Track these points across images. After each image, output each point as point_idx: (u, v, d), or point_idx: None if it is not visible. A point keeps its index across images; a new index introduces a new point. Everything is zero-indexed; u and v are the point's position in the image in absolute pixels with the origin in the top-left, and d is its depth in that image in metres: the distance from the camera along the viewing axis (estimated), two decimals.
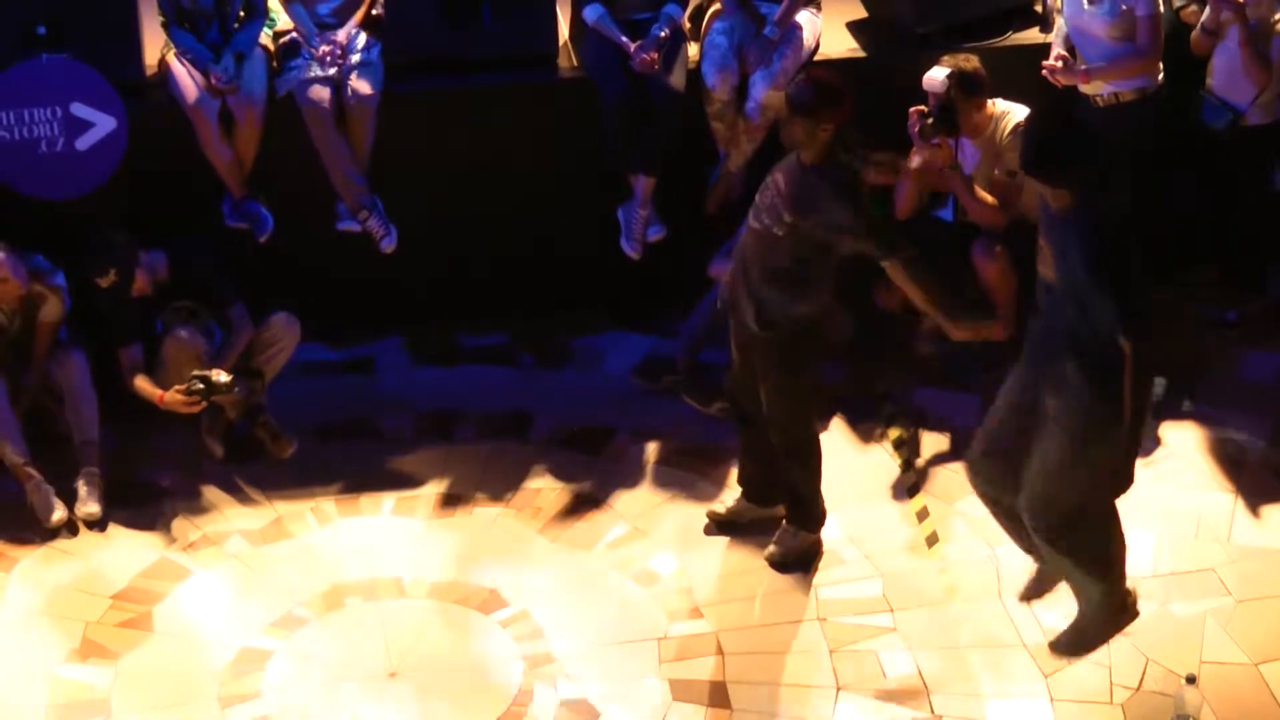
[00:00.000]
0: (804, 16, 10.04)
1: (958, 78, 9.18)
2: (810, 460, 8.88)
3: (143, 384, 9.35)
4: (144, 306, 9.51)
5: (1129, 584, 7.87)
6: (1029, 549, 8.03)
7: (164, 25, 9.84)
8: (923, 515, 9.03)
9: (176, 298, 9.56)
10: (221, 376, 9.19)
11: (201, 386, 9.14)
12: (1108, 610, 7.84)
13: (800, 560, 8.74)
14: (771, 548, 8.80)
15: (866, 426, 9.87)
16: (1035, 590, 8.24)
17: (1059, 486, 7.49)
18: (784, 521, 8.92)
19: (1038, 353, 7.56)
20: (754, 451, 9.04)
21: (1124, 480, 7.51)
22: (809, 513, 8.90)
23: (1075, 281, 7.23)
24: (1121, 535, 7.76)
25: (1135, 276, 7.26)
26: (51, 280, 9.42)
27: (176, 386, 9.16)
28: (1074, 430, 7.34)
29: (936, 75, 9.21)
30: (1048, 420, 7.44)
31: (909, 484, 9.22)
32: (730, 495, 9.23)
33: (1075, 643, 7.96)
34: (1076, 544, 7.64)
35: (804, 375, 8.77)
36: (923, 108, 9.08)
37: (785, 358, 8.53)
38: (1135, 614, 7.92)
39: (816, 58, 10.09)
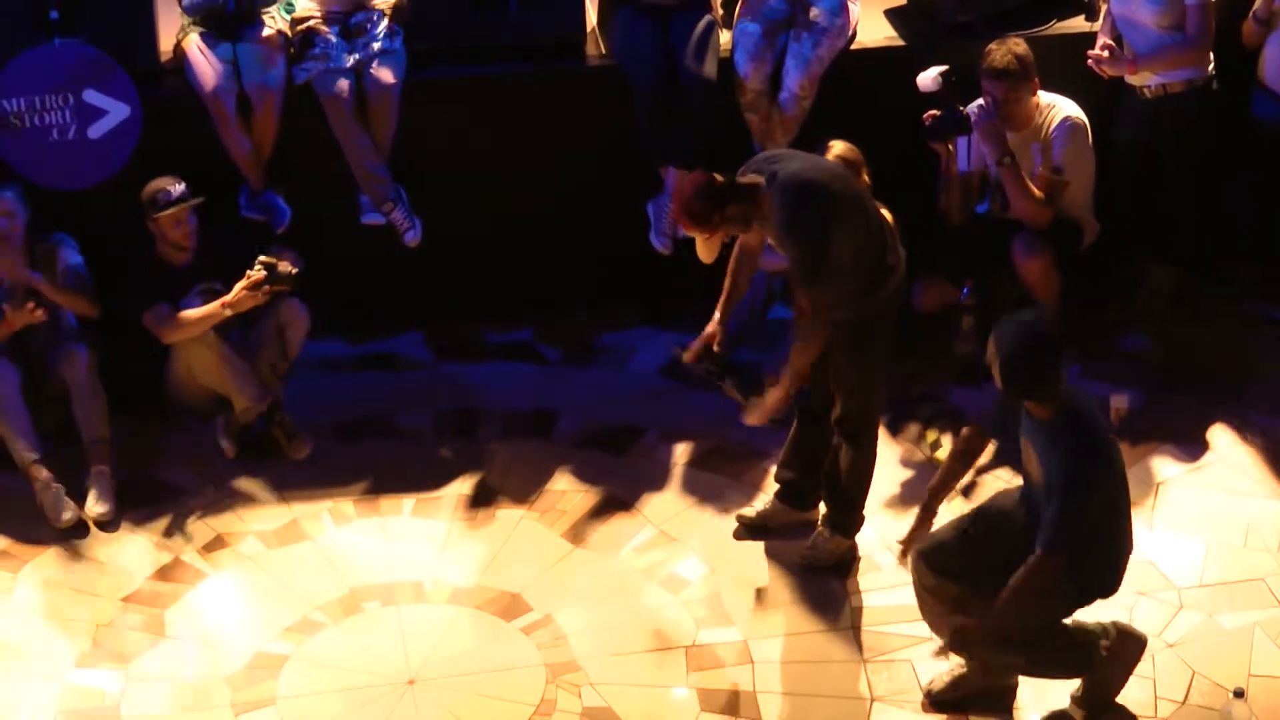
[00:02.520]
0: (838, 3, 10.00)
1: (1009, 63, 9.11)
2: (868, 452, 8.84)
3: (189, 314, 9.34)
4: (170, 284, 9.51)
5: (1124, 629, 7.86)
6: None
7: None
8: None
9: (207, 278, 9.56)
10: (287, 265, 9.31)
11: (265, 273, 9.24)
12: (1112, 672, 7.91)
13: (835, 566, 8.71)
14: (806, 551, 8.77)
15: (904, 429, 9.87)
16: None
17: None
18: (820, 525, 8.87)
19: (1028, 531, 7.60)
20: (804, 451, 9.00)
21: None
22: (849, 516, 8.84)
23: (1053, 483, 7.37)
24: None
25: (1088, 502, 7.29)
26: (61, 243, 9.54)
27: (239, 285, 9.21)
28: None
29: (928, 75, 9.31)
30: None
31: None
32: (762, 499, 9.25)
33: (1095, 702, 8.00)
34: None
35: (874, 360, 8.72)
36: (935, 111, 9.16)
37: (855, 339, 8.49)
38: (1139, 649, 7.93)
39: (854, 46, 10.12)
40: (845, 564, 8.74)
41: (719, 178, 8.07)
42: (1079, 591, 7.65)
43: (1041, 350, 7.46)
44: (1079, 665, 7.90)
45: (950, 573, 7.93)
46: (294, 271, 9.35)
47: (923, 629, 8.46)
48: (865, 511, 8.89)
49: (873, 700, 8.17)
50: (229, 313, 9.32)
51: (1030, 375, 7.36)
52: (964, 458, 8.27)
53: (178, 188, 9.30)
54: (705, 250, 8.40)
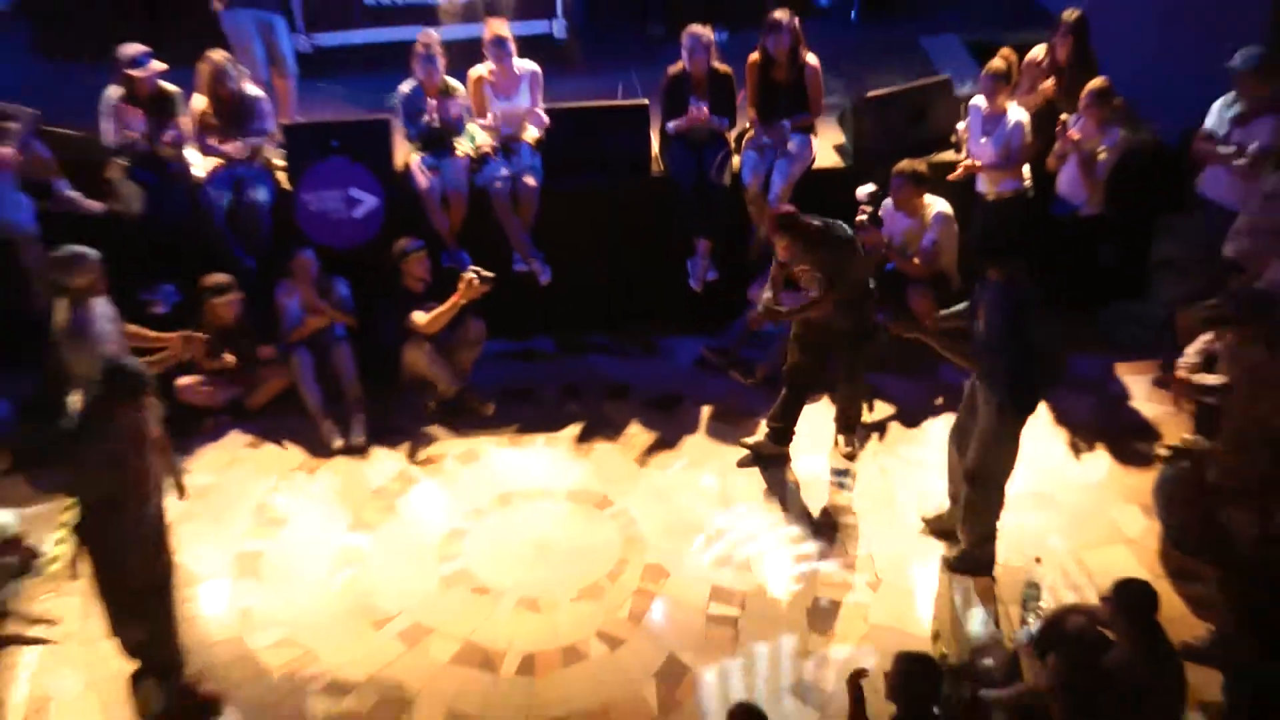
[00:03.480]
0: (805, 140, 10.15)
1: (909, 174, 9.36)
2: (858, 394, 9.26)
3: (439, 309, 9.57)
4: (416, 300, 9.67)
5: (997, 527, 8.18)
6: (953, 495, 8.36)
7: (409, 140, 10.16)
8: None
9: (433, 299, 9.67)
10: (486, 274, 9.44)
11: (477, 278, 9.44)
12: (983, 540, 8.21)
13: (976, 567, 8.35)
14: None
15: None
16: (937, 526, 8.59)
17: (980, 457, 7.86)
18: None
19: (975, 380, 7.91)
20: (787, 409, 9.24)
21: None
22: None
23: (990, 334, 7.59)
24: (1002, 495, 8.01)
25: (1027, 342, 7.42)
26: (336, 281, 9.83)
27: (462, 287, 9.44)
28: (985, 429, 7.77)
29: (864, 189, 9.44)
30: (979, 421, 7.82)
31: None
32: (754, 438, 9.47)
33: (970, 562, 8.29)
34: (980, 491, 7.99)
35: (860, 365, 9.16)
36: (866, 208, 9.21)
37: (854, 348, 8.99)
38: (992, 553, 8.20)
39: (814, 167, 10.22)
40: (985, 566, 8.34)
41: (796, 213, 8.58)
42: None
43: (1012, 234, 8.29)
44: (994, 509, 8.05)
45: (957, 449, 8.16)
46: (491, 276, 9.46)
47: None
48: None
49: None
50: (464, 301, 9.45)
51: (999, 245, 7.76)
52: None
53: (416, 242, 9.66)
54: (781, 251, 8.69)
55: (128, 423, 6.83)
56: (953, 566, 8.31)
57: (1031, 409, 7.68)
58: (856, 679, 6.57)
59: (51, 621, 8.07)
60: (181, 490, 7.76)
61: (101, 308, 8.16)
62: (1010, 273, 7.48)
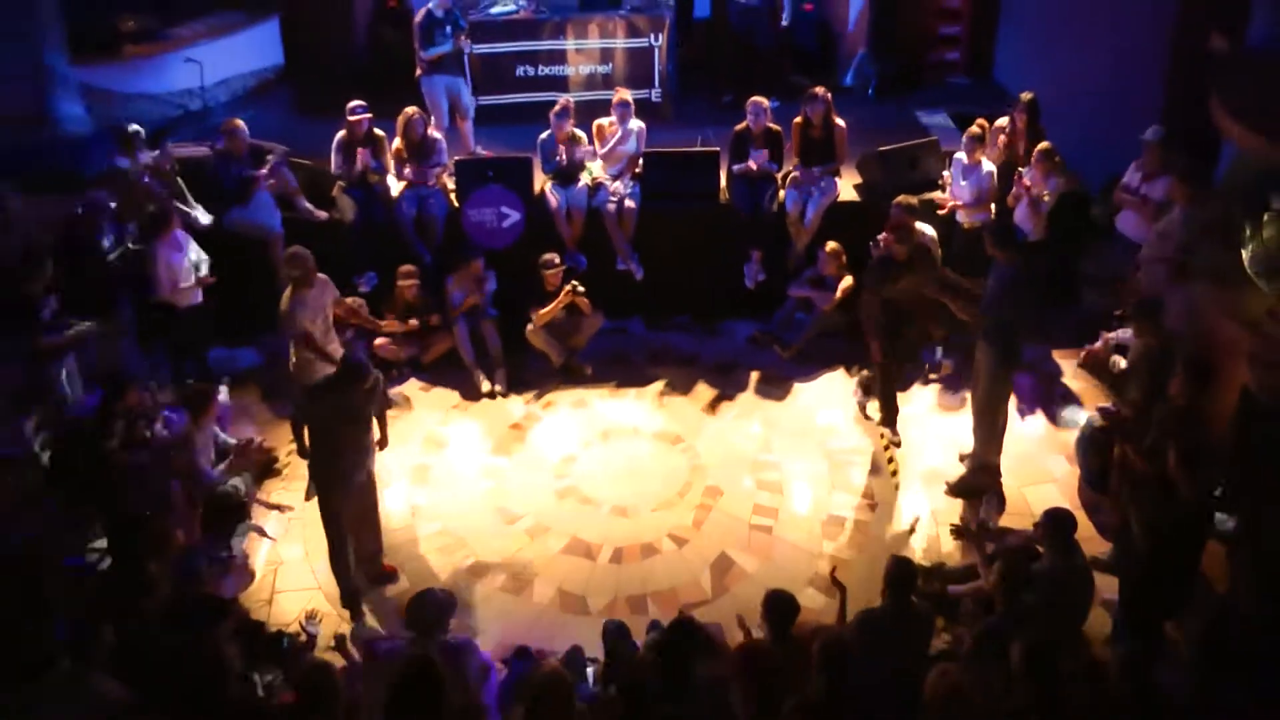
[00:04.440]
0: (832, 180, 10.03)
1: (904, 206, 8.69)
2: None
3: (542, 310, 9.50)
4: (549, 296, 9.52)
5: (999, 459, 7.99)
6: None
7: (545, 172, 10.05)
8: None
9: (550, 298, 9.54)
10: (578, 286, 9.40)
11: (583, 290, 9.44)
12: (985, 467, 8.00)
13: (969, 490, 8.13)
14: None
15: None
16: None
17: (982, 394, 7.82)
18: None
19: (979, 339, 7.74)
20: (885, 381, 8.80)
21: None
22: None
23: (989, 297, 7.58)
24: (997, 436, 7.84)
25: (1021, 311, 7.48)
26: (489, 275, 9.64)
27: (565, 290, 9.38)
28: (987, 379, 7.71)
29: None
30: (980, 368, 7.76)
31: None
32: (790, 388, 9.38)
33: (965, 487, 8.11)
34: (981, 423, 7.89)
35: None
36: (882, 235, 8.66)
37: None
38: (997, 475, 7.99)
39: (839, 201, 10.03)
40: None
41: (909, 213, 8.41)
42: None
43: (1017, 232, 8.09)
44: (996, 439, 7.83)
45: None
46: (583, 290, 9.44)
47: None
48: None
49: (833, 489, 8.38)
50: (566, 302, 9.46)
51: (1008, 235, 7.59)
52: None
53: (556, 258, 9.56)
54: (893, 239, 8.31)
55: (346, 400, 6.79)
56: (951, 490, 8.12)
57: (1016, 356, 7.61)
58: (833, 572, 6.91)
59: (282, 508, 8.17)
60: (384, 442, 7.54)
61: (314, 296, 8.11)
62: (1010, 256, 7.47)
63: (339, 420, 6.82)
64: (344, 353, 7.98)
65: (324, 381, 7.09)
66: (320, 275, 8.17)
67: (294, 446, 7.47)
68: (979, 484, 7.99)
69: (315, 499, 7.21)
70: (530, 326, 9.64)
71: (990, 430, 7.85)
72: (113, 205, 8.81)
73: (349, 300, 8.85)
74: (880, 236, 8.52)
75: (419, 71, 10.56)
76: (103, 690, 5.02)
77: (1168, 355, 7.04)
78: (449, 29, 10.41)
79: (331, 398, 6.81)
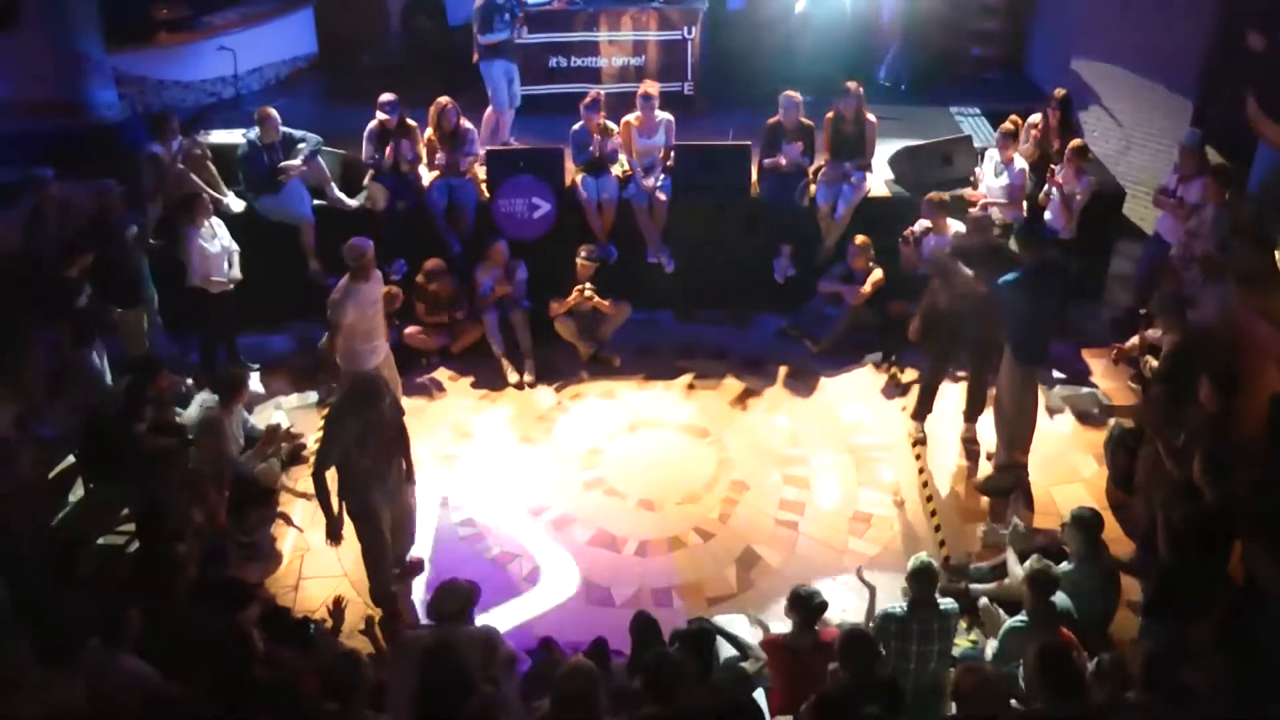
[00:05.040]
0: (863, 175, 10.00)
1: (935, 202, 9.04)
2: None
3: (560, 303, 9.53)
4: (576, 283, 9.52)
5: (1026, 459, 7.91)
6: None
7: (577, 165, 10.03)
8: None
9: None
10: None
11: (585, 286, 9.47)
12: (1004, 469, 7.95)
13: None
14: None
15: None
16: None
17: (1007, 397, 7.75)
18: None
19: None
20: (928, 380, 8.73)
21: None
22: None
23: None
24: (1024, 437, 7.76)
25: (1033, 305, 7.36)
26: (519, 264, 9.62)
27: (576, 289, 9.44)
28: (1010, 379, 7.69)
29: (919, 225, 9.09)
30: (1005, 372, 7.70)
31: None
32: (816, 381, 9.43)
33: (993, 485, 8.10)
34: (1005, 425, 7.79)
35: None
36: (909, 230, 8.78)
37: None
38: (1024, 473, 7.93)
39: (870, 196, 10.00)
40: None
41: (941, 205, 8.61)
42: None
43: (1043, 234, 7.93)
44: (1021, 443, 7.76)
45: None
46: (589, 292, 9.45)
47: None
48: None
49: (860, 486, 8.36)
50: (579, 300, 9.54)
51: (1033, 235, 7.58)
52: None
53: (594, 252, 9.65)
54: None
55: (364, 419, 6.66)
56: (978, 487, 8.11)
57: (1040, 358, 7.59)
58: (860, 571, 6.86)
59: (309, 495, 8.04)
60: (411, 476, 7.32)
61: (368, 289, 7.99)
62: (1030, 255, 7.48)
63: (366, 432, 6.69)
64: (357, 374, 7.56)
65: (343, 404, 6.82)
66: (377, 270, 8.11)
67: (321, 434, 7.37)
68: (1006, 483, 7.92)
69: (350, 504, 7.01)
70: (559, 321, 9.72)
71: (1017, 430, 7.78)
72: (122, 191, 8.86)
73: (388, 289, 8.82)
74: (906, 231, 8.56)
75: (475, 57, 10.49)
76: (131, 670, 5.13)
77: (1191, 350, 7.03)
78: (508, 15, 10.36)
79: (353, 422, 6.65)
